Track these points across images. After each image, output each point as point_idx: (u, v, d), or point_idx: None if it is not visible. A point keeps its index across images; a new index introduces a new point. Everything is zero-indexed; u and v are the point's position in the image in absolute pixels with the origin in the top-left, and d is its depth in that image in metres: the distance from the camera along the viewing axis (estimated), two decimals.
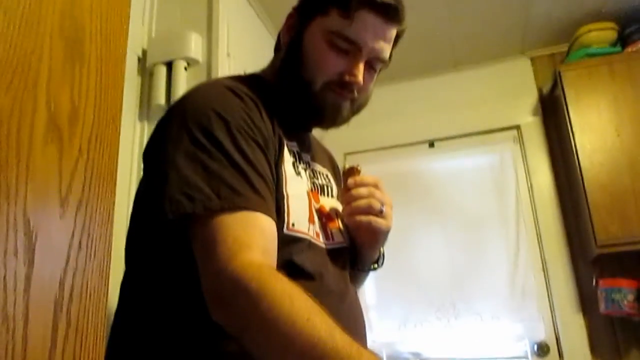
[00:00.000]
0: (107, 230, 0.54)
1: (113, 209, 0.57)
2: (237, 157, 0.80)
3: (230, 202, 0.77)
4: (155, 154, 0.88)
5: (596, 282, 2.26)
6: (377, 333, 2.50)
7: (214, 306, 0.73)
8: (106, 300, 0.53)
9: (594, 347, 2.28)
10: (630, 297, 2.15)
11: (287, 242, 0.87)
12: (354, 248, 1.06)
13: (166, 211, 0.77)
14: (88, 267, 0.51)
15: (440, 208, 2.63)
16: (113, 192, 0.58)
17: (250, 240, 0.75)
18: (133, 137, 1.66)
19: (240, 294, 0.69)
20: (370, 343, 2.46)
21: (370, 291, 2.59)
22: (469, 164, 2.69)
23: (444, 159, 2.73)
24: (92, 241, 0.52)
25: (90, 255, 0.52)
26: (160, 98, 1.70)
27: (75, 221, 0.50)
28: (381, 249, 1.12)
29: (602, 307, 2.21)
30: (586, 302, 2.34)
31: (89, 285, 0.51)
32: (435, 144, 2.72)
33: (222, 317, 0.73)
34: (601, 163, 2.19)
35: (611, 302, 2.17)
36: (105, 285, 0.53)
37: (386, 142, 2.75)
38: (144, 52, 1.79)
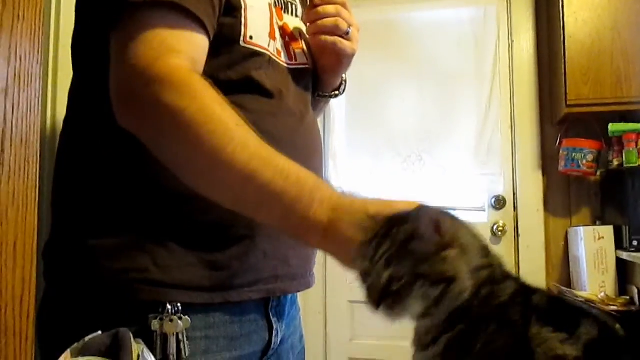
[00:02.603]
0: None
1: None
2: None
3: None
4: None
5: (560, 141, 2.32)
6: (344, 180, 2.57)
7: (127, 109, 0.70)
8: (40, 70, 0.50)
9: (547, 203, 2.40)
10: (590, 157, 2.22)
11: (244, 57, 0.83)
12: (316, 72, 1.03)
13: None
14: (16, 29, 0.48)
15: (417, 60, 2.58)
16: None
17: (178, 45, 0.70)
18: None
19: (168, 93, 0.65)
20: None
21: (340, 138, 2.62)
22: (451, 16, 2.59)
23: (426, 9, 2.62)
24: (19, 1, 0.48)
25: (19, 16, 0.48)
26: None
27: None
28: (343, 76, 1.09)
29: (561, 165, 2.28)
30: (547, 161, 2.41)
31: (18, 48, 0.48)
32: None
33: (136, 120, 0.69)
34: (585, 21, 2.13)
35: (571, 161, 2.25)
36: (38, 52, 0.50)
37: None
38: None
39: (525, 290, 0.57)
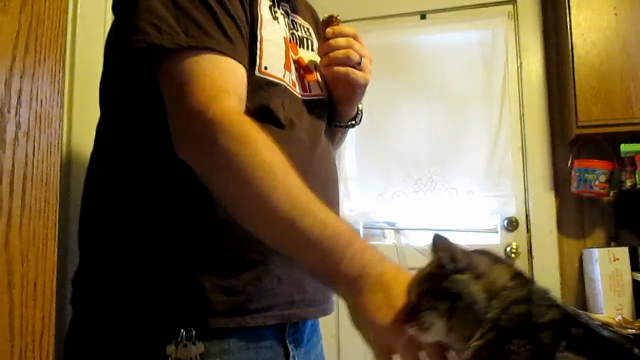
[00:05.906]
0: (57, 36, 0.51)
1: (64, 16, 0.54)
2: None
3: (198, 41, 0.75)
4: None
5: (572, 162, 2.31)
6: (355, 203, 2.57)
7: (186, 146, 0.74)
8: (60, 111, 0.52)
9: (560, 224, 2.38)
10: (603, 178, 2.20)
11: (260, 86, 0.86)
12: (332, 104, 1.05)
13: (133, 41, 0.75)
14: (37, 73, 0.50)
15: (426, 82, 2.59)
16: None
17: (227, 85, 0.75)
18: None
19: (223, 137, 0.70)
20: (347, 212, 2.54)
21: (350, 162, 2.62)
22: (459, 39, 2.61)
23: (434, 32, 2.64)
24: (41, 46, 0.50)
25: (40, 60, 0.50)
26: None
27: (19, 21, 0.48)
28: (359, 106, 1.11)
29: (573, 186, 2.27)
30: (559, 182, 2.40)
31: (39, 92, 0.50)
32: (427, 16, 2.62)
33: (194, 157, 0.74)
34: (594, 42, 2.14)
35: (583, 182, 2.23)
36: (58, 94, 0.52)
37: (375, 12, 2.63)
38: None
39: (567, 321, 0.58)
